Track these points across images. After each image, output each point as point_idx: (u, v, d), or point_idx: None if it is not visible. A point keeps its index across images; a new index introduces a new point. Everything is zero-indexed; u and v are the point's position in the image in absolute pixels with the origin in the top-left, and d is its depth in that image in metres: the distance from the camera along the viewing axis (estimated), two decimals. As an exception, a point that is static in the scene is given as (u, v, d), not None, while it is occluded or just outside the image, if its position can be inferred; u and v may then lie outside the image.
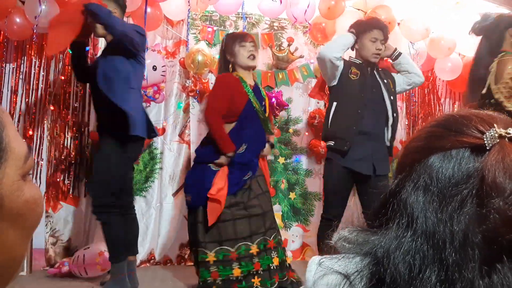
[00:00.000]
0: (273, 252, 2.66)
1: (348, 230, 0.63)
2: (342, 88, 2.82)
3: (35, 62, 3.40)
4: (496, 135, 0.55)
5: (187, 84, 3.62)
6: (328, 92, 3.04)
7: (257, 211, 2.65)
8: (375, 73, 2.87)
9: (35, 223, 0.45)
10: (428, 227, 0.54)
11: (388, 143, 2.80)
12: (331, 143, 2.76)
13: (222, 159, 2.64)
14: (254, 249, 2.60)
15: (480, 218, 0.52)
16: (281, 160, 3.77)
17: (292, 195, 3.77)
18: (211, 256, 2.58)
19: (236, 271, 2.56)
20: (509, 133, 0.55)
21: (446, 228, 0.53)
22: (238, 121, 2.71)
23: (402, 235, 0.55)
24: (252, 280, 2.57)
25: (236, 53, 2.73)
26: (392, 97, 2.83)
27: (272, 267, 2.61)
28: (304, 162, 3.82)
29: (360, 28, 2.81)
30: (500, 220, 0.50)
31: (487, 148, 0.55)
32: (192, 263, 3.42)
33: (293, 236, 3.74)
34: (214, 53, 3.67)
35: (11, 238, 0.42)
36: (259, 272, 2.58)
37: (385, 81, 2.86)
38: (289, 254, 3.64)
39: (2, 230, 0.42)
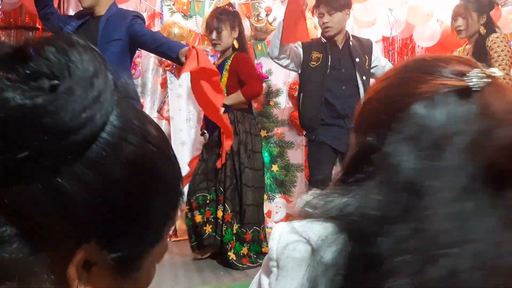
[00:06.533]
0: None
1: (311, 194, 0.58)
2: (304, 77, 2.80)
3: (4, 39, 3.27)
4: (484, 75, 0.53)
5: (163, 59, 3.53)
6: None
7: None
8: (346, 50, 2.73)
9: None
10: (412, 177, 0.50)
11: None
12: (304, 132, 2.82)
13: None
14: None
15: (475, 153, 0.50)
16: (263, 133, 3.75)
17: (274, 168, 3.78)
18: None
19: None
20: (494, 73, 0.53)
21: (437, 175, 0.50)
22: None
23: (382, 188, 0.51)
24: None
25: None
26: (364, 77, 2.70)
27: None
28: (286, 134, 3.81)
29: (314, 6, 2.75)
30: (500, 151, 0.50)
31: (474, 89, 0.52)
32: (177, 238, 3.46)
33: (277, 207, 3.78)
34: (190, 25, 3.57)
35: None
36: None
37: (357, 59, 2.71)
38: (273, 225, 3.71)
39: None
